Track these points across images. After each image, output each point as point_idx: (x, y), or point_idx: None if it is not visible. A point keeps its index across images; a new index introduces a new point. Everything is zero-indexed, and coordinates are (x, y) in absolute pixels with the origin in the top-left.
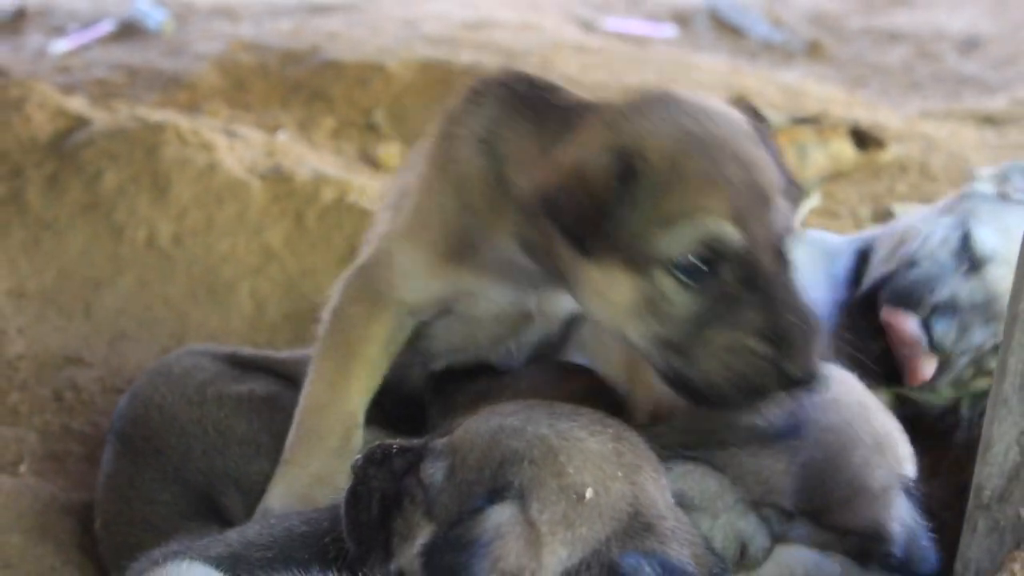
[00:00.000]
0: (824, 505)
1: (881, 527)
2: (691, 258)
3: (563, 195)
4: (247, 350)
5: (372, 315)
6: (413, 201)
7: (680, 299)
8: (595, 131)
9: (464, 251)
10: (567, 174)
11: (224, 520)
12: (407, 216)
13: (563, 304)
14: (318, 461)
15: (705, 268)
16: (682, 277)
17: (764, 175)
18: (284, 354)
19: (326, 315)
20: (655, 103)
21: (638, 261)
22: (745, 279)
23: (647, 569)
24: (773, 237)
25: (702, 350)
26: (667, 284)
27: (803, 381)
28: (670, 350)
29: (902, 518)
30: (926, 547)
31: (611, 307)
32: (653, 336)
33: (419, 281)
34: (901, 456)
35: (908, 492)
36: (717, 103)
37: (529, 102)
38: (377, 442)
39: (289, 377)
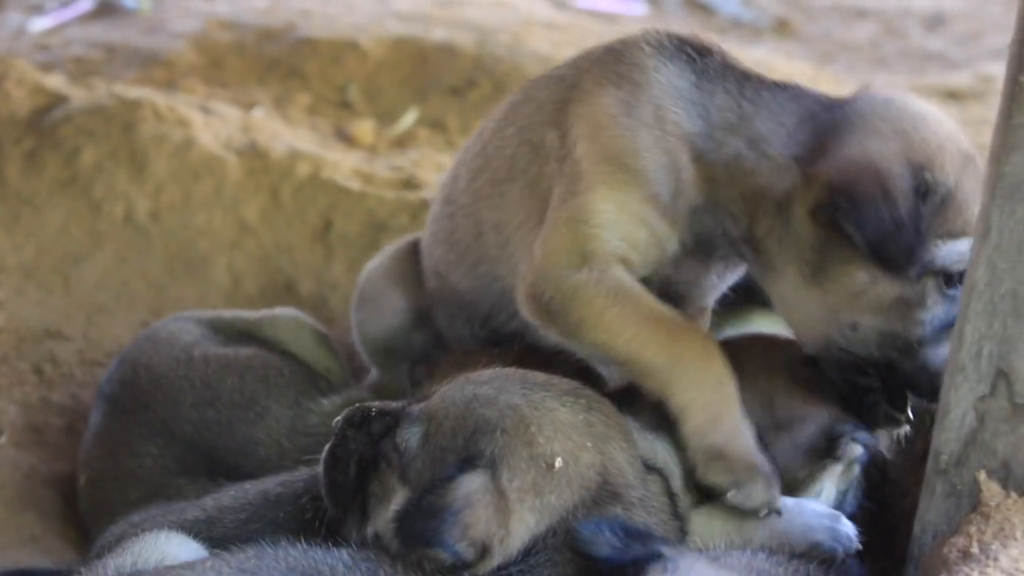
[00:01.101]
0: None
1: None
2: (960, 272)
3: (864, 200)
4: (228, 312)
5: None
6: (600, 146)
7: (938, 307)
8: (884, 139)
9: (664, 204)
10: (869, 181)
11: (214, 471)
12: (600, 162)
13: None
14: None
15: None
16: (949, 288)
17: None
18: (262, 313)
19: (551, 300)
20: (919, 111)
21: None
22: None
23: (606, 533)
24: None
25: (934, 355)
26: (932, 292)
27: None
28: (897, 348)
29: None
30: None
31: (855, 301)
32: (889, 332)
33: (622, 229)
34: None
35: None
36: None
37: (732, 71)
38: (357, 404)
39: (265, 340)
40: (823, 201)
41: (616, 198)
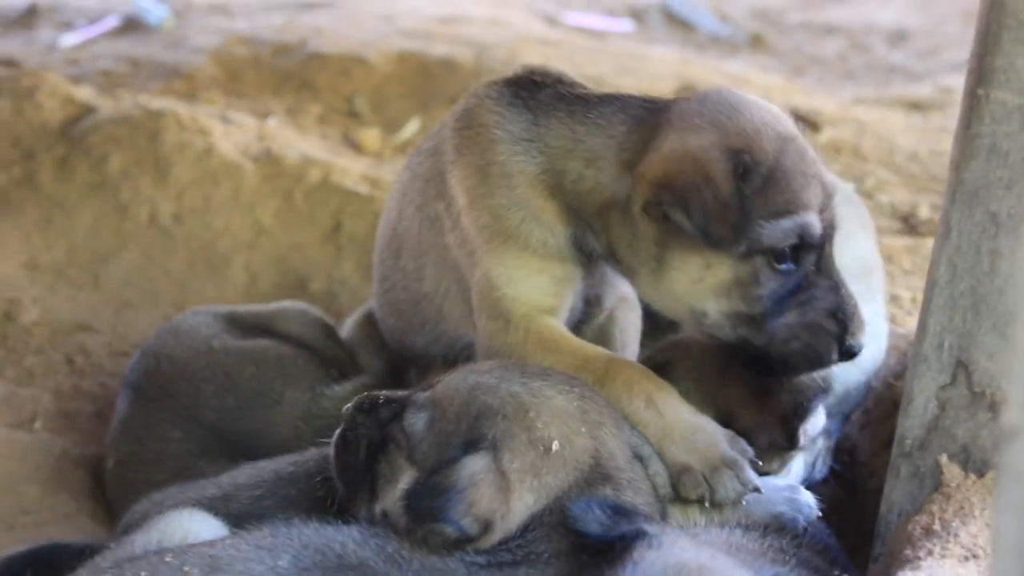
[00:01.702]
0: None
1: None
2: (788, 247)
3: (686, 189)
4: (242, 307)
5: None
6: (473, 218)
7: (771, 282)
8: (701, 131)
9: (529, 242)
10: (688, 170)
11: (234, 453)
12: (478, 232)
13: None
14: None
15: (795, 256)
16: (777, 264)
17: (824, 170)
18: (274, 307)
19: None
20: (735, 102)
21: (741, 248)
22: (817, 265)
23: (595, 512)
24: (831, 227)
25: (779, 325)
26: (763, 269)
27: (855, 354)
28: (746, 324)
29: None
30: None
31: (697, 287)
32: (734, 312)
33: (522, 283)
34: None
35: None
36: (767, 103)
37: (563, 99)
38: (365, 393)
39: (277, 332)
40: (651, 197)
41: (503, 259)
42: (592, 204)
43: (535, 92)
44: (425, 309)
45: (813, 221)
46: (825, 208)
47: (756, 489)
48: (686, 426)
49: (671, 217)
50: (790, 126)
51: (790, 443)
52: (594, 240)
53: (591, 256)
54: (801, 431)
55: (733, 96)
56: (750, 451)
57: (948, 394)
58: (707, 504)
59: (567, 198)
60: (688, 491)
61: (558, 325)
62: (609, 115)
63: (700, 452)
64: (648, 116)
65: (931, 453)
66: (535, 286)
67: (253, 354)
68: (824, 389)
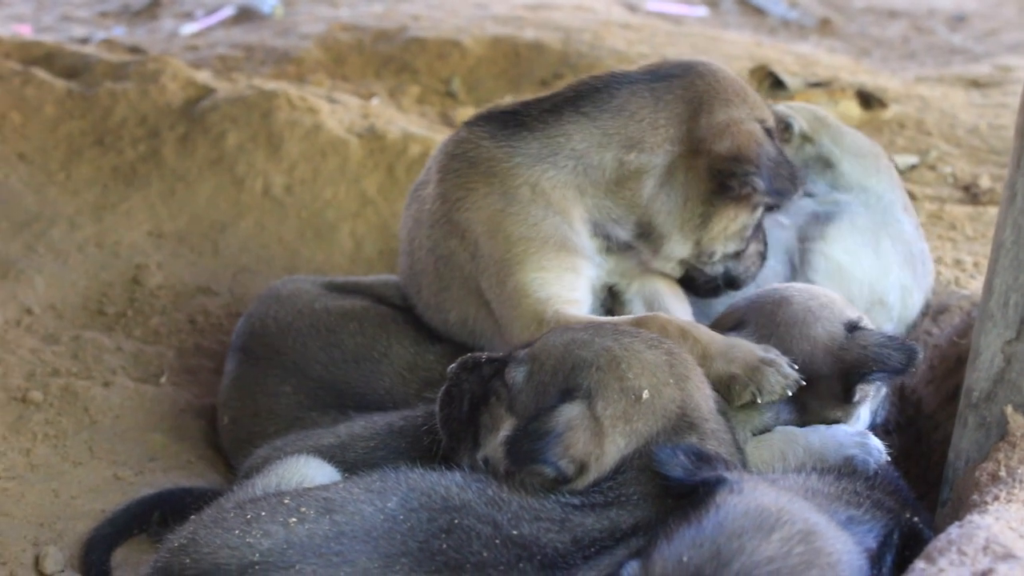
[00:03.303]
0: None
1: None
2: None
3: (758, 157)
4: (340, 278)
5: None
6: (503, 236)
7: (757, 227)
8: (736, 106)
9: (566, 242)
10: (750, 142)
11: (343, 403)
12: (510, 247)
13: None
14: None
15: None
16: (766, 212)
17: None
18: (371, 278)
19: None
20: (734, 77)
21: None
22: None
23: (680, 457)
24: None
25: (747, 254)
26: (760, 216)
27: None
28: (733, 258)
29: None
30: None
31: (721, 235)
32: (732, 251)
33: (555, 283)
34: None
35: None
36: None
37: (560, 106)
38: (468, 354)
39: (377, 297)
40: (723, 167)
41: (537, 264)
42: (626, 183)
43: (517, 116)
44: (458, 334)
45: None
46: None
47: (798, 381)
48: (721, 344)
49: (750, 183)
50: None
51: (845, 397)
52: (615, 227)
53: (611, 244)
54: (857, 388)
55: (722, 68)
56: (785, 358)
57: (1013, 348)
58: (758, 400)
59: (599, 191)
60: (739, 394)
61: (583, 314)
62: (623, 101)
63: (739, 360)
64: (659, 92)
65: (997, 404)
66: (565, 285)
67: (354, 313)
68: (904, 369)
